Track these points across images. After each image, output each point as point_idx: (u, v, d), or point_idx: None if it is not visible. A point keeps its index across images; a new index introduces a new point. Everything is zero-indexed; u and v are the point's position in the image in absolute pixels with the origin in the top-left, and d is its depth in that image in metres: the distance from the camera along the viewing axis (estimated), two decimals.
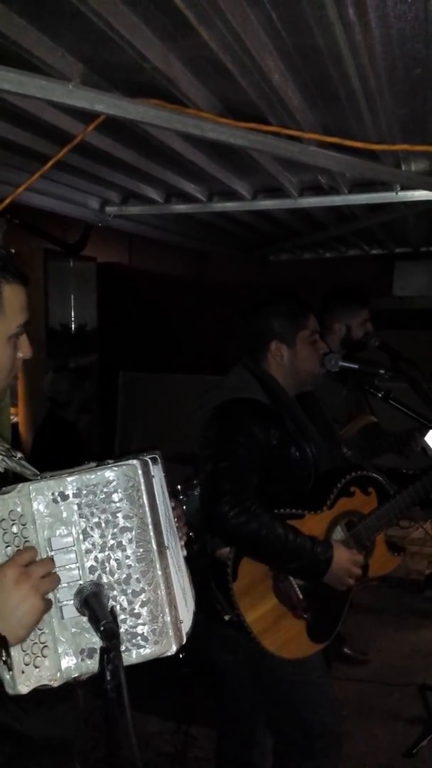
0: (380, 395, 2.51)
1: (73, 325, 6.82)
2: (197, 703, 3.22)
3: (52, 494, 1.21)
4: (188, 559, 1.47)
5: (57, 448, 5.42)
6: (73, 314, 6.84)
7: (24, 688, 1.15)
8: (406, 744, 3.24)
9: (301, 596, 2.16)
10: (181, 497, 4.13)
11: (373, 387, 2.53)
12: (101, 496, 1.22)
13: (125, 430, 6.67)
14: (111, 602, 1.20)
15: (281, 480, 2.24)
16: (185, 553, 1.44)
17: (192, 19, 1.70)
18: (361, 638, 4.18)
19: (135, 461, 1.25)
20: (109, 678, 1.11)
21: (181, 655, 1.39)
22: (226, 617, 2.15)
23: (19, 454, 1.47)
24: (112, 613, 1.16)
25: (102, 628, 1.11)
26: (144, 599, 1.23)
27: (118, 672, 1.11)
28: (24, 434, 6.21)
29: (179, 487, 4.15)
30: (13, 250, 1.48)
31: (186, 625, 1.32)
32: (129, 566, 1.23)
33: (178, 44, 1.90)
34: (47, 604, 1.17)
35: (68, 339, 6.66)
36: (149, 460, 1.30)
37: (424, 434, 3.17)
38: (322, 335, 2.46)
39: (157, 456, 1.36)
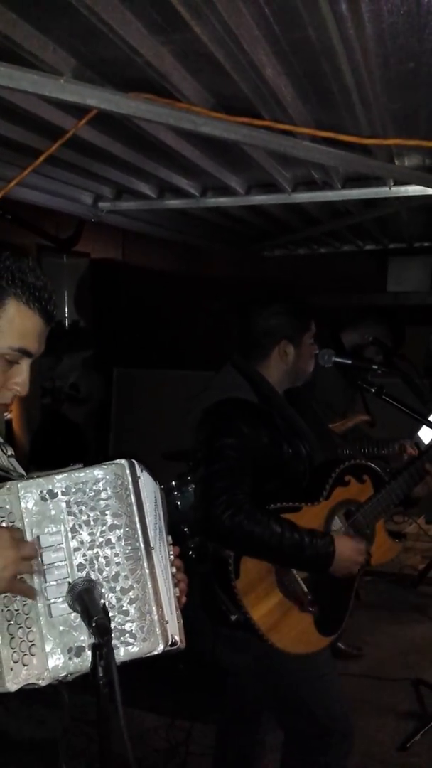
0: (373, 390, 2.51)
1: (67, 322, 6.80)
2: (193, 699, 3.22)
3: (41, 492, 1.20)
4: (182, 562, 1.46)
5: (60, 450, 5.28)
6: (66, 310, 6.82)
7: (13, 686, 1.14)
8: (399, 738, 3.25)
9: (306, 590, 2.14)
10: (176, 493, 4.12)
11: (367, 382, 2.53)
12: (90, 494, 1.22)
13: (119, 426, 6.66)
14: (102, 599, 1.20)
15: (277, 477, 2.23)
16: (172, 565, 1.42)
17: (184, 13, 1.70)
18: (355, 633, 4.18)
19: (123, 460, 1.26)
20: (101, 674, 1.10)
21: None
22: (233, 617, 2.11)
23: (10, 450, 1.46)
24: (104, 609, 1.16)
25: (94, 624, 1.11)
26: (132, 596, 1.22)
27: (111, 668, 1.11)
28: (18, 431, 6.19)
29: (173, 483, 4.15)
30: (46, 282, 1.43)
31: (172, 626, 1.31)
32: (117, 563, 1.22)
33: (171, 38, 1.89)
34: (14, 585, 1.16)
35: (62, 335, 6.64)
36: (136, 462, 1.30)
37: (417, 429, 3.17)
38: None
39: (144, 465, 1.35)
